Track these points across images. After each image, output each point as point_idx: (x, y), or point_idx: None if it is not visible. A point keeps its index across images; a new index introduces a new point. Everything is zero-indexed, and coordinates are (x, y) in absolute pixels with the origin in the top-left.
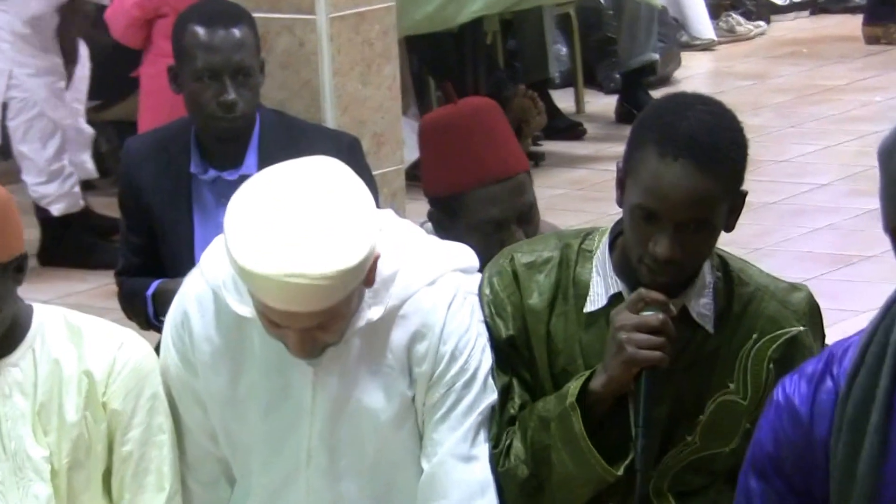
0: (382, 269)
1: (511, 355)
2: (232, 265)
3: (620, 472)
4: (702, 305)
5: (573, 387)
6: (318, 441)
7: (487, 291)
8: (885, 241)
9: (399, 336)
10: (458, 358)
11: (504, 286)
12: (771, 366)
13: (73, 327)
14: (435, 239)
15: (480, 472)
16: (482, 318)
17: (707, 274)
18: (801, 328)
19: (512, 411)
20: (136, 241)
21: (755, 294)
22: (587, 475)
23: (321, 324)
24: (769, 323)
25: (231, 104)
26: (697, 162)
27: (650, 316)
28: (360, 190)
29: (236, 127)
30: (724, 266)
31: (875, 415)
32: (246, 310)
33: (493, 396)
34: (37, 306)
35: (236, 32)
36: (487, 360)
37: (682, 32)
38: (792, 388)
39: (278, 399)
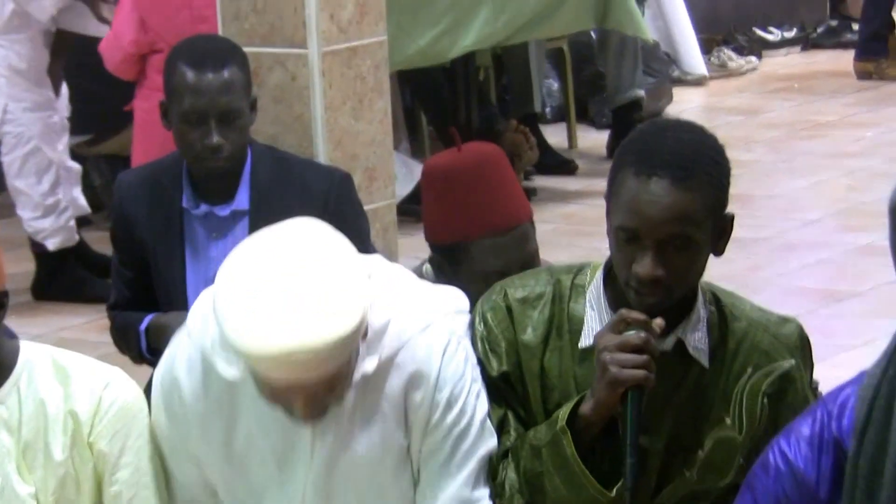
0: (374, 321)
1: (505, 390)
2: (231, 347)
3: (613, 493)
4: (697, 340)
5: (562, 412)
6: (313, 490)
7: (481, 327)
8: (875, 276)
9: (394, 385)
10: (455, 404)
11: (498, 321)
12: (765, 400)
13: (60, 366)
14: (425, 282)
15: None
16: (476, 360)
17: (701, 308)
18: (793, 361)
19: (508, 444)
20: (128, 274)
21: (748, 328)
22: (581, 498)
23: (328, 386)
24: (762, 357)
25: (216, 148)
26: (673, 178)
27: (632, 335)
28: (344, 248)
29: (223, 167)
30: (717, 301)
31: (890, 468)
32: (235, 373)
33: (492, 441)
34: (23, 343)
35: (224, 74)
36: (483, 405)
37: (674, 67)
38: (793, 452)
39: (276, 451)
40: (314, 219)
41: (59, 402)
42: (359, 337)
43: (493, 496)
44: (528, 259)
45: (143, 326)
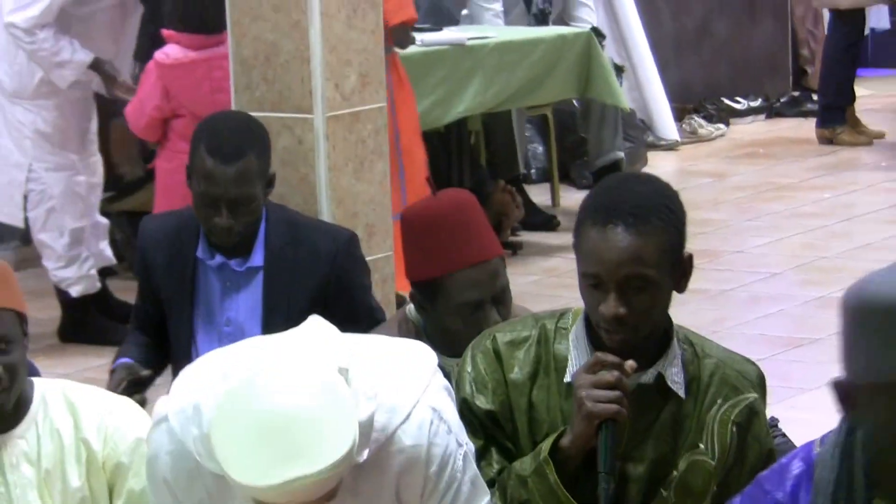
0: (360, 415)
1: (489, 426)
2: (232, 482)
3: None
4: (674, 374)
5: (545, 444)
6: None
7: (469, 369)
8: (831, 326)
9: (386, 471)
10: (444, 472)
11: (486, 364)
12: (734, 429)
13: (69, 399)
14: (393, 347)
15: None
16: (457, 416)
17: (676, 347)
18: (756, 396)
19: (491, 474)
20: (144, 307)
21: (717, 364)
22: None
23: (326, 498)
24: (731, 390)
25: (226, 229)
26: (627, 225)
27: (605, 374)
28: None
29: (233, 241)
30: (689, 341)
31: None
32: (219, 468)
33: (486, 497)
34: (37, 380)
35: (238, 166)
36: (471, 465)
37: (649, 134)
38: None
39: None
40: (295, 332)
41: (71, 431)
42: (353, 454)
43: None
44: (499, 291)
45: (114, 365)
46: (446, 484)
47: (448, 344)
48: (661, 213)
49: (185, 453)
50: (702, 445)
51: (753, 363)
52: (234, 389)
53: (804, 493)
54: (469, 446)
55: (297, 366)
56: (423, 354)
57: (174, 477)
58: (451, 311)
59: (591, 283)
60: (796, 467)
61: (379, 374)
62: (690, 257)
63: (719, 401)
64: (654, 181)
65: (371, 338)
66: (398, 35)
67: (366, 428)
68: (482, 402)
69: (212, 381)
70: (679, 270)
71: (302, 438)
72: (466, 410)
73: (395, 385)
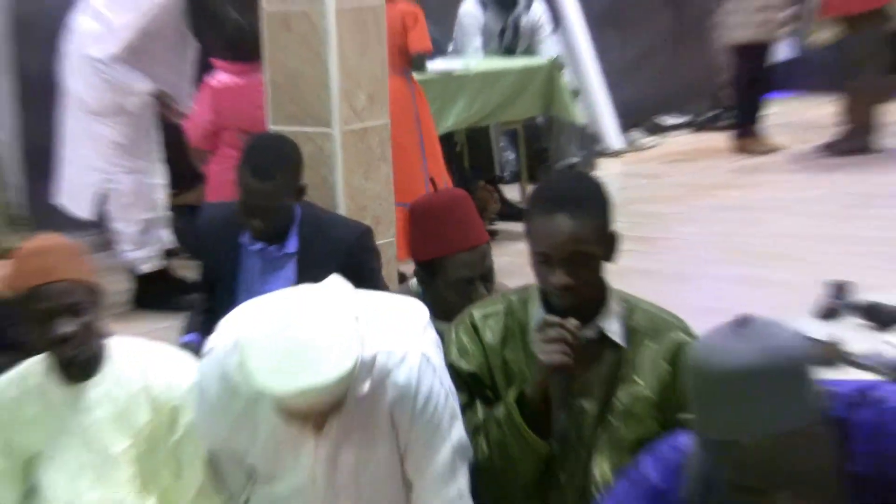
0: (364, 355)
1: (472, 384)
2: (262, 390)
3: (551, 444)
4: (613, 326)
5: (511, 393)
6: (322, 472)
7: (454, 339)
8: (745, 297)
9: (382, 403)
10: (429, 406)
11: (466, 335)
12: (668, 367)
13: (136, 351)
14: (398, 303)
15: (458, 487)
16: (444, 365)
17: (614, 304)
18: (682, 337)
19: (476, 421)
20: (203, 287)
21: (648, 316)
22: (528, 451)
23: (333, 408)
24: (664, 336)
25: (258, 230)
26: (567, 212)
27: (552, 331)
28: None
29: (264, 238)
30: (625, 300)
31: None
32: (253, 387)
33: (460, 426)
34: (111, 339)
35: (269, 186)
36: (451, 402)
37: (598, 143)
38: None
39: (288, 448)
40: (319, 285)
41: (138, 380)
42: (355, 371)
43: (473, 467)
44: (486, 271)
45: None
46: (430, 414)
47: (443, 312)
48: (593, 201)
49: (227, 377)
50: (641, 381)
51: (678, 317)
52: (266, 321)
53: (680, 479)
54: (451, 388)
55: (319, 307)
56: (417, 311)
57: (217, 397)
58: (448, 285)
59: (541, 259)
60: (672, 455)
61: (382, 324)
62: (616, 234)
63: (651, 344)
64: (585, 177)
65: (378, 294)
66: (418, 61)
67: (368, 364)
68: (465, 365)
69: (249, 321)
70: (609, 245)
71: (315, 359)
72: (453, 373)
73: (393, 334)
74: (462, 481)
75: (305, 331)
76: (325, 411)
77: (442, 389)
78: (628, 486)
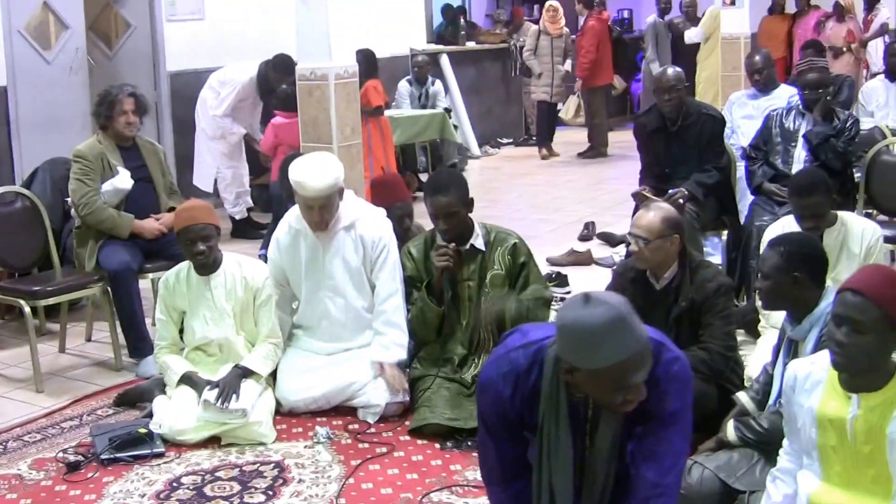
0: (351, 214)
1: (411, 278)
2: (296, 186)
3: (443, 308)
4: (478, 242)
5: (425, 283)
6: (327, 275)
7: (405, 252)
8: (548, 236)
9: (357, 234)
10: (382, 241)
11: (405, 255)
12: (507, 255)
13: (237, 260)
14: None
15: (395, 287)
16: (392, 233)
17: (477, 229)
18: (516, 240)
19: (412, 298)
20: None
21: (498, 232)
22: (431, 312)
23: (326, 206)
24: (506, 242)
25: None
26: (441, 193)
27: (441, 249)
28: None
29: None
30: (484, 225)
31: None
32: (298, 227)
33: (399, 267)
34: (223, 252)
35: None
36: (395, 253)
37: (467, 152)
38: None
39: (309, 259)
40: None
41: (238, 273)
42: (338, 185)
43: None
44: (408, 213)
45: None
46: (383, 253)
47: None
48: (457, 184)
49: (289, 222)
50: (496, 267)
51: (513, 232)
52: (301, 161)
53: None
54: (393, 241)
55: (326, 158)
56: (379, 209)
57: (284, 235)
58: (393, 220)
59: (433, 216)
60: (524, 362)
61: (361, 205)
62: (472, 199)
63: (499, 247)
64: (453, 172)
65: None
66: (375, 112)
67: (351, 210)
68: (408, 270)
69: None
70: (469, 204)
71: (318, 172)
72: (405, 275)
73: (367, 208)
74: (399, 287)
75: (317, 162)
76: (322, 205)
77: (391, 242)
78: (494, 360)
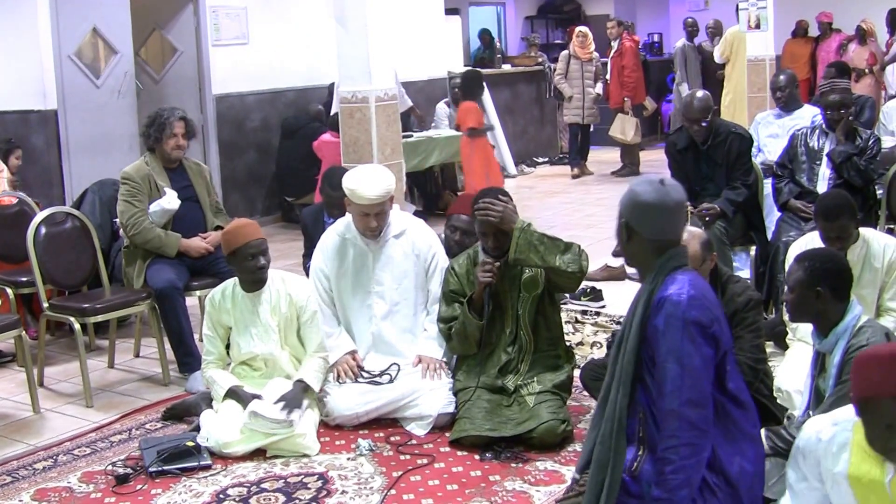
0: (400, 223)
1: (456, 292)
2: (351, 194)
3: (483, 321)
4: (511, 257)
5: (466, 299)
6: (377, 281)
7: (449, 267)
8: (574, 238)
9: (409, 242)
10: (432, 248)
11: (449, 272)
12: (539, 260)
13: (281, 276)
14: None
15: (439, 291)
16: (440, 246)
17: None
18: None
19: (453, 312)
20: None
21: (528, 243)
22: (472, 325)
23: (380, 213)
24: (533, 247)
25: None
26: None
27: (486, 266)
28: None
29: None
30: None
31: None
32: (347, 235)
33: (445, 261)
34: (271, 269)
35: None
36: (444, 258)
37: (506, 171)
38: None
39: (357, 268)
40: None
41: (283, 290)
42: (391, 193)
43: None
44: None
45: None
46: (434, 259)
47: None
48: (499, 197)
49: (337, 229)
50: (530, 270)
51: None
52: (355, 171)
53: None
54: (442, 249)
55: (380, 168)
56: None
57: (330, 239)
58: (448, 227)
59: (482, 236)
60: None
61: (408, 217)
62: (518, 218)
63: (523, 254)
64: (500, 190)
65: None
66: (471, 133)
67: (400, 221)
68: (451, 285)
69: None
70: (514, 222)
71: (374, 180)
72: (448, 290)
73: (414, 220)
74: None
75: (371, 172)
76: (377, 212)
77: (441, 252)
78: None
